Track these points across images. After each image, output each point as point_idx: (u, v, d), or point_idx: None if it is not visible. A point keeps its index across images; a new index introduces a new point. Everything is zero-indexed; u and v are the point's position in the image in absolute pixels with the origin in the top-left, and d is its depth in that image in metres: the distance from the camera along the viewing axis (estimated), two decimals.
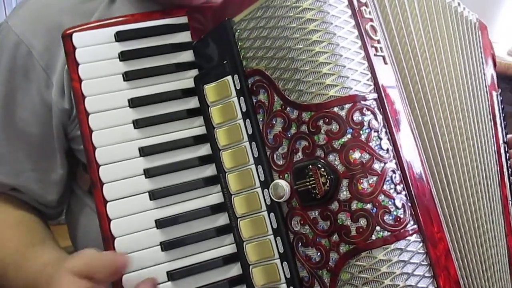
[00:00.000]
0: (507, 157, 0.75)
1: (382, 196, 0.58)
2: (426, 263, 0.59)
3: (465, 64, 0.72)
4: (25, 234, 0.78)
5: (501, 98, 0.77)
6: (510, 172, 0.74)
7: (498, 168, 0.72)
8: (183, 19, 0.72)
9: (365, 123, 0.59)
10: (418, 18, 0.69)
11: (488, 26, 0.79)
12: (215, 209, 0.68)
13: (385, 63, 0.63)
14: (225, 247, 0.68)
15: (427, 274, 0.59)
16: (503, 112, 0.77)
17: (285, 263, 0.63)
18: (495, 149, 0.73)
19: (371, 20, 0.64)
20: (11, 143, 0.78)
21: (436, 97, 0.67)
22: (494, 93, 0.76)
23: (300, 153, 0.61)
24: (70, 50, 0.68)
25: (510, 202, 0.72)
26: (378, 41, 0.63)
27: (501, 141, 0.74)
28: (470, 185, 0.67)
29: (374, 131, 0.59)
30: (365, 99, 0.60)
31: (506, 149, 0.75)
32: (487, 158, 0.71)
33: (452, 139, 0.67)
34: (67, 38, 0.68)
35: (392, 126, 0.61)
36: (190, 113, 0.70)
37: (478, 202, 0.67)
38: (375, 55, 0.62)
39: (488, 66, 0.77)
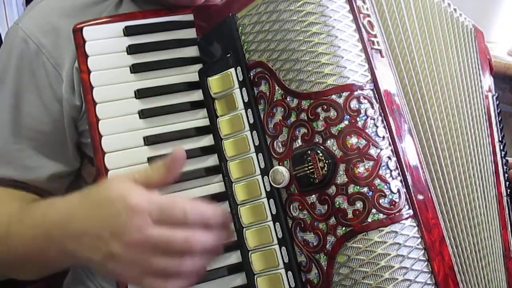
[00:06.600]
0: (502, 155, 0.76)
1: (378, 180, 0.59)
2: (421, 247, 0.60)
3: (460, 65, 0.75)
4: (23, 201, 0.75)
5: (497, 101, 0.79)
6: (505, 170, 0.76)
7: (493, 165, 0.74)
8: (189, 17, 0.75)
9: (362, 111, 0.61)
10: (414, 18, 0.72)
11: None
12: (215, 198, 0.69)
13: (382, 56, 0.66)
14: None
15: (421, 258, 0.60)
16: (500, 113, 0.79)
17: (283, 248, 0.64)
18: (490, 147, 0.75)
19: (369, 16, 0.67)
20: (22, 141, 0.78)
21: (431, 92, 0.70)
22: (490, 95, 0.79)
23: (299, 140, 0.63)
24: (80, 43, 0.71)
25: (504, 197, 0.74)
26: (375, 36, 0.66)
27: (496, 140, 0.76)
28: (464, 177, 0.69)
29: (371, 119, 0.61)
30: (362, 88, 0.62)
31: (501, 148, 0.76)
32: (482, 153, 0.73)
33: (447, 132, 0.69)
34: (77, 32, 0.71)
35: (388, 115, 0.63)
36: (194, 105, 0.72)
37: (472, 193, 0.69)
38: (372, 48, 0.65)
39: (484, 69, 0.79)
